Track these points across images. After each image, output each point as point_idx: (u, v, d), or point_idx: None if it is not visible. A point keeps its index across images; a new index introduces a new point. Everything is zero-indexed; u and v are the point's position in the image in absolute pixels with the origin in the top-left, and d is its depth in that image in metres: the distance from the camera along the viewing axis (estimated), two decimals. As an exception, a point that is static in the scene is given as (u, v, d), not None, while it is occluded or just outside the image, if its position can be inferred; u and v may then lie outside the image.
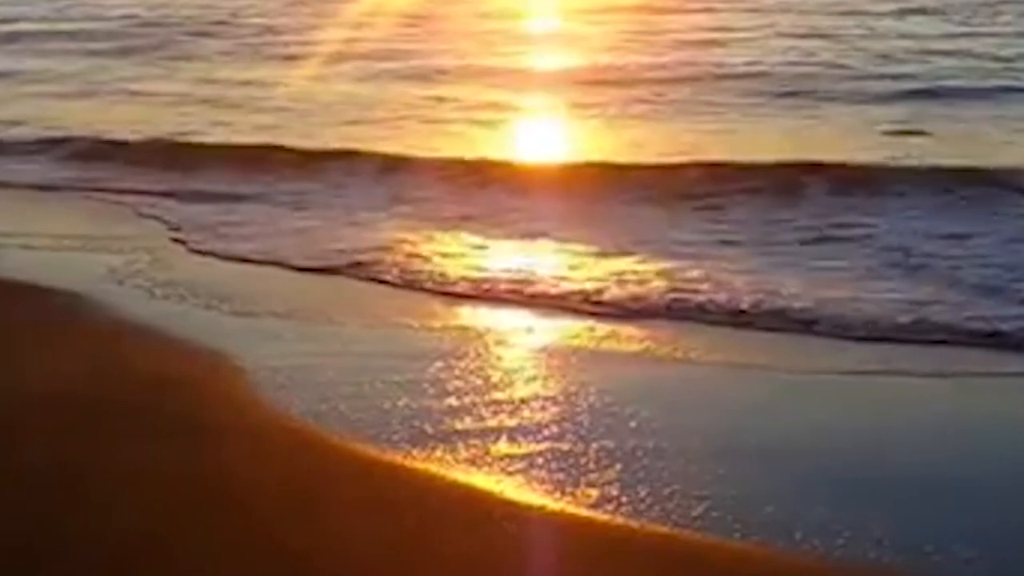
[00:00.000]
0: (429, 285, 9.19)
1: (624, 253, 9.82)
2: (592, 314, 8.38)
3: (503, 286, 9.03)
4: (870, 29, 23.79)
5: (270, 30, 27.96)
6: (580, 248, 10.00)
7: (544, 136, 16.23)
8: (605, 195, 11.76)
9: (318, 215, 11.88)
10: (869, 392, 7.09)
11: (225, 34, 27.89)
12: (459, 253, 10.04)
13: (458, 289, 9.06)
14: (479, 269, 9.53)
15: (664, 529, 5.28)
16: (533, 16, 29.03)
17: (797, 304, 8.35)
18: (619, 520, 5.38)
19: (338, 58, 22.67)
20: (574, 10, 29.27)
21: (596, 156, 13.41)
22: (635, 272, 9.22)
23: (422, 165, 13.50)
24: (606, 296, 8.68)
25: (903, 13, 25.80)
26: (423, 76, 20.75)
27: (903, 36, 22.67)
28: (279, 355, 7.65)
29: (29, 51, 26.47)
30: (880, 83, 17.82)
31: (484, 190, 12.21)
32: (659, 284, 8.88)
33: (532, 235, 10.53)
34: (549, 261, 9.74)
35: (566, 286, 8.94)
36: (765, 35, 23.47)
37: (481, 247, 10.25)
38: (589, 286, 8.89)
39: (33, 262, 10.24)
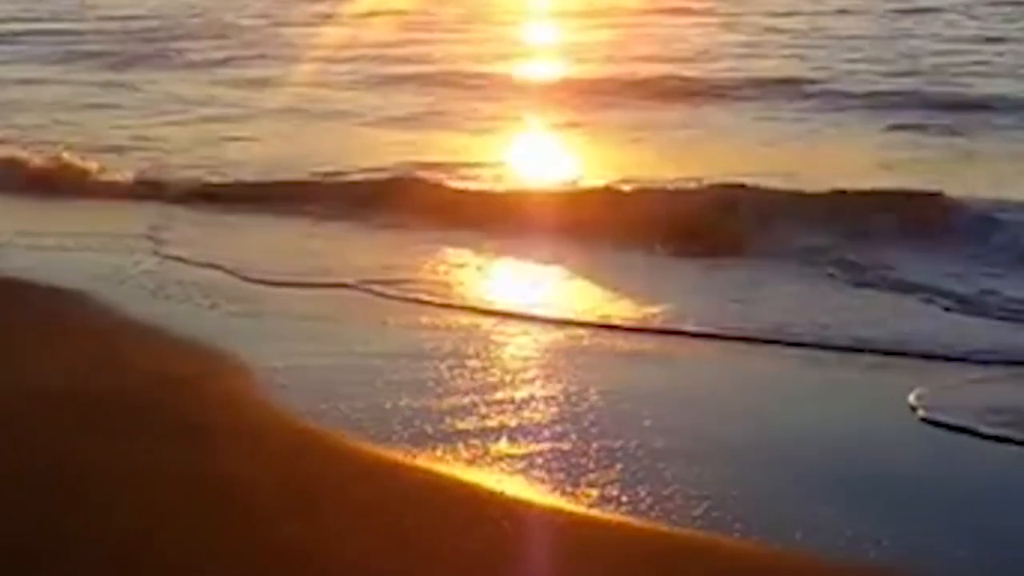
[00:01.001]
0: (434, 300, 9.13)
1: (627, 271, 9.88)
2: (594, 325, 8.36)
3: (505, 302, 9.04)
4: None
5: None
6: (583, 267, 10.01)
7: (552, 155, 15.95)
8: (607, 217, 11.61)
9: (327, 231, 11.84)
10: (870, 393, 7.09)
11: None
12: (464, 270, 10.04)
13: (460, 303, 9.01)
14: (483, 285, 9.56)
15: (665, 528, 5.28)
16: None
17: (800, 315, 8.40)
18: (621, 519, 5.38)
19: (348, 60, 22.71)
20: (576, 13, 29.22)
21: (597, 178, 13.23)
22: (639, 289, 9.24)
23: (429, 183, 13.36)
24: (608, 312, 8.67)
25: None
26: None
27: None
28: (281, 355, 7.65)
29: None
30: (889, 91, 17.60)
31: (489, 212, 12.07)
32: (663, 304, 8.87)
33: (537, 255, 10.50)
34: (554, 282, 9.75)
35: (570, 303, 8.96)
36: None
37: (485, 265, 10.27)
38: (592, 303, 8.90)
39: (37, 261, 10.26)
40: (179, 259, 10.42)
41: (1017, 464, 6.15)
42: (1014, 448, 6.20)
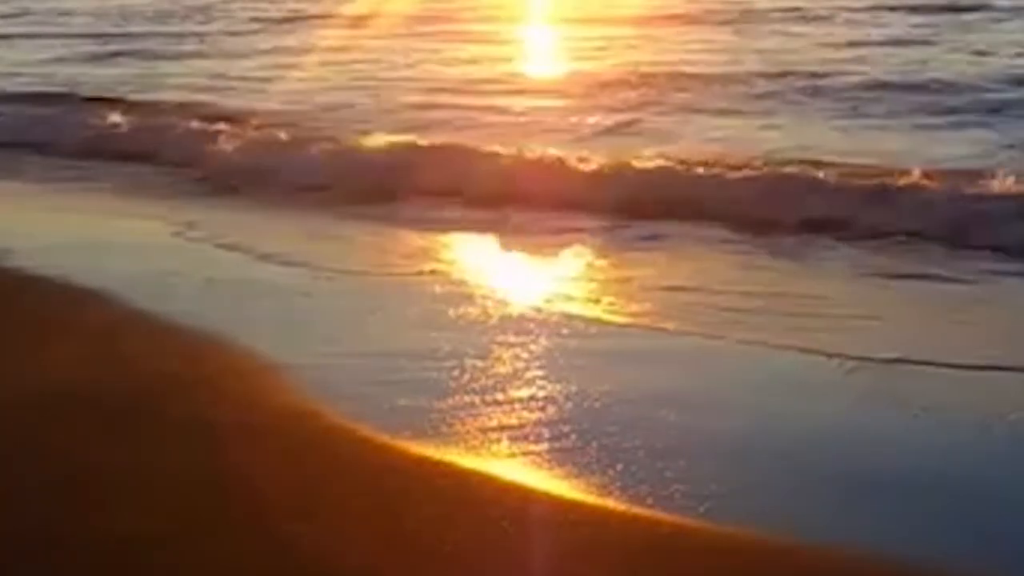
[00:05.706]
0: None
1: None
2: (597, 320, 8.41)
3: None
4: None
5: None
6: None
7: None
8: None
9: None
10: (872, 391, 7.11)
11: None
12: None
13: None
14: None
15: (667, 526, 5.30)
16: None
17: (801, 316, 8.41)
18: (622, 518, 5.41)
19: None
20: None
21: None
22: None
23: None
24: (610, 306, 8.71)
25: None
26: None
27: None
28: (289, 353, 7.66)
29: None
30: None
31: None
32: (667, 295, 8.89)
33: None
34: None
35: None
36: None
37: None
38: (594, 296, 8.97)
39: (49, 256, 10.24)
40: (196, 249, 10.46)
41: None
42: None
